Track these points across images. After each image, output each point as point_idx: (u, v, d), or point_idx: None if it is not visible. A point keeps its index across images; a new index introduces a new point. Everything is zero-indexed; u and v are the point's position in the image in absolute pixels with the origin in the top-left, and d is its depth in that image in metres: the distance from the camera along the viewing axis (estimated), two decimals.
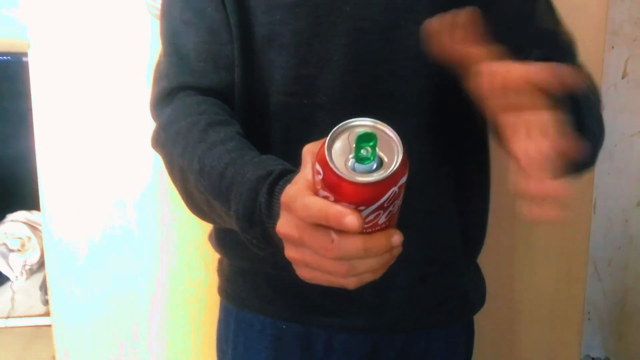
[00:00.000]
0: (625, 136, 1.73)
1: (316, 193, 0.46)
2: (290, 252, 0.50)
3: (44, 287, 1.54)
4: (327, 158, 0.43)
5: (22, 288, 1.60)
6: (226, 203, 0.58)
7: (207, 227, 0.86)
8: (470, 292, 0.83)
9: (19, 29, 1.16)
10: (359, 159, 0.43)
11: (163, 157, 0.70)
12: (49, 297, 1.20)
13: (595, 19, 1.26)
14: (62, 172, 1.15)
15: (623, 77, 1.69)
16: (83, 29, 1.12)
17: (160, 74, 0.74)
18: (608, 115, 1.84)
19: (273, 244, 0.55)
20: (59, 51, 1.12)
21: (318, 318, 0.77)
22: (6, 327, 1.52)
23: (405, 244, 0.49)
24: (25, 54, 1.13)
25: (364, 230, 0.45)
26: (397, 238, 0.48)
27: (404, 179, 0.44)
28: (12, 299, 1.56)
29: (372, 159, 0.43)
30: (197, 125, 0.65)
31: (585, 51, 1.32)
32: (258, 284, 0.79)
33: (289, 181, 0.52)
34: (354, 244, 0.45)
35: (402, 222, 0.50)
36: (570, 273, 1.36)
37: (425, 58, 0.60)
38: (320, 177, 0.44)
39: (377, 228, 0.46)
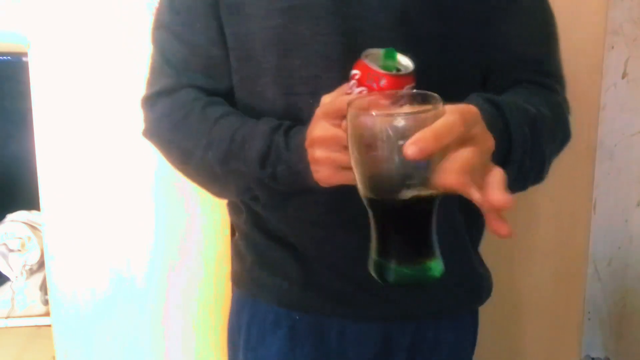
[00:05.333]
0: (625, 136, 1.73)
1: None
2: (317, 153, 0.60)
3: (44, 287, 1.53)
4: (366, 62, 0.60)
5: (22, 288, 1.60)
6: (241, 156, 0.68)
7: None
8: (477, 280, 0.84)
9: (18, 29, 1.15)
10: (385, 67, 0.60)
11: (158, 145, 0.80)
12: (49, 297, 1.20)
13: (595, 19, 1.26)
14: (62, 172, 1.15)
15: (623, 77, 1.69)
16: (83, 29, 1.12)
17: (153, 75, 0.82)
18: (608, 115, 1.84)
19: (291, 179, 0.66)
20: (59, 51, 1.12)
21: (332, 307, 0.79)
22: (6, 327, 1.52)
23: None
24: (25, 54, 1.13)
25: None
26: None
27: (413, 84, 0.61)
28: (12, 299, 1.56)
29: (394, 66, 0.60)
30: (193, 111, 0.73)
31: (585, 51, 1.32)
32: (275, 272, 0.80)
33: (300, 129, 0.65)
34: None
35: None
36: (570, 273, 1.36)
37: (423, 54, 0.63)
38: (357, 77, 0.60)
39: None
